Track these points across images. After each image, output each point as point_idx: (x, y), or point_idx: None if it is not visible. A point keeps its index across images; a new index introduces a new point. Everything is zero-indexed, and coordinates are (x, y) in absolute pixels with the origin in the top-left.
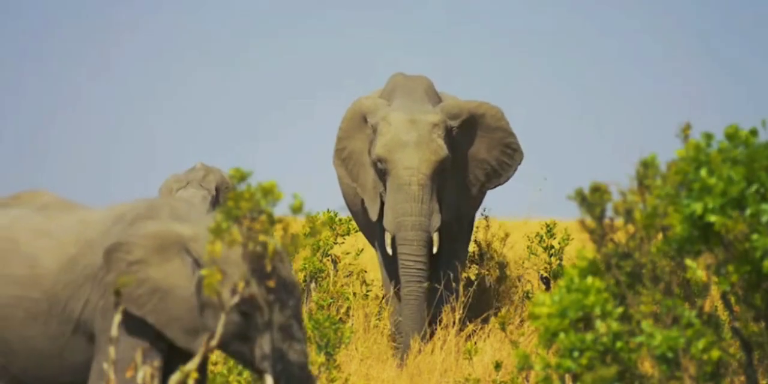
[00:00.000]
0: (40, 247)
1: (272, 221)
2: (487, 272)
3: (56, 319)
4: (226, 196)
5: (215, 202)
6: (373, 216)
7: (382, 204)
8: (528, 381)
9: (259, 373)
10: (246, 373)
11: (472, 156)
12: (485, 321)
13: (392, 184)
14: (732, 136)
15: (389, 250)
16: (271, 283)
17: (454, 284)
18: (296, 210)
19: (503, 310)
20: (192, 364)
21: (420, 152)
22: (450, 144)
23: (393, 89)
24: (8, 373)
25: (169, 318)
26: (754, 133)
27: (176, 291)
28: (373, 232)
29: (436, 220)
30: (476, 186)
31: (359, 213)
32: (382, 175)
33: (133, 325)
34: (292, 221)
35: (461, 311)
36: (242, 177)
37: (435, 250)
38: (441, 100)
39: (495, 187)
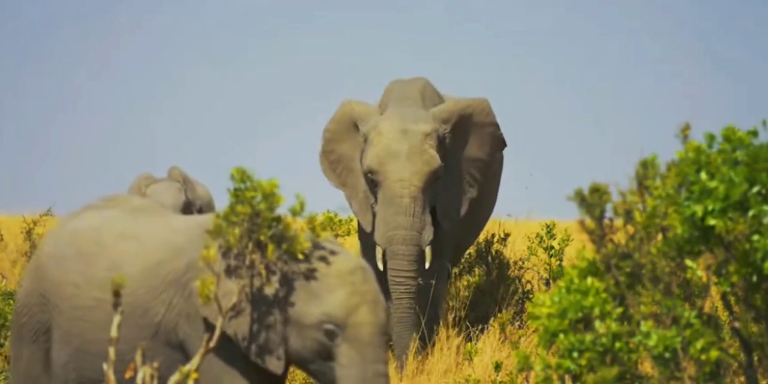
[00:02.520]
0: (124, 250)
1: (270, 225)
2: (487, 272)
3: (136, 322)
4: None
5: (188, 197)
6: (367, 227)
7: (374, 216)
8: (528, 381)
9: None
10: None
11: (467, 157)
12: (485, 321)
13: (383, 196)
14: (729, 137)
15: (380, 265)
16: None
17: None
18: (296, 212)
19: (503, 311)
20: (192, 365)
21: (412, 164)
22: (443, 151)
23: (388, 99)
24: (84, 375)
25: (249, 334)
26: (754, 133)
27: (257, 306)
28: (368, 238)
29: (428, 234)
30: (475, 186)
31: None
32: (373, 186)
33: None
34: (291, 222)
35: (462, 311)
36: (243, 178)
37: (427, 265)
38: (442, 100)
39: (485, 181)
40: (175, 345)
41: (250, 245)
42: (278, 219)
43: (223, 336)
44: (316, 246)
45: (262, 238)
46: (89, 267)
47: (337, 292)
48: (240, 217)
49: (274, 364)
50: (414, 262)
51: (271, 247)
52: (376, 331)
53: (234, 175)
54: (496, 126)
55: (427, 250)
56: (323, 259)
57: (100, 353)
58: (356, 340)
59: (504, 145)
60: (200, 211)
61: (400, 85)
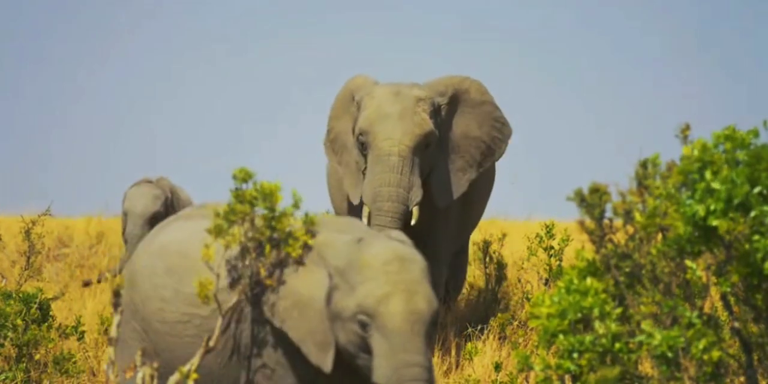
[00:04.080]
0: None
1: (270, 225)
2: (486, 273)
3: (222, 336)
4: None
5: (168, 206)
6: (355, 199)
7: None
8: (528, 382)
9: None
10: None
11: (465, 135)
12: (485, 321)
13: (372, 156)
14: (730, 137)
15: (365, 222)
16: (269, 282)
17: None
18: (294, 206)
19: (503, 311)
20: (192, 365)
21: (403, 124)
22: (439, 123)
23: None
24: None
25: (306, 332)
26: (755, 133)
27: (314, 303)
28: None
29: (417, 194)
30: (474, 167)
31: (342, 212)
32: (364, 149)
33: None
34: (288, 221)
35: (462, 312)
36: (245, 178)
37: (413, 222)
38: None
39: (489, 164)
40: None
41: (250, 245)
42: (277, 218)
43: (279, 330)
44: (359, 238)
45: (260, 238)
46: (178, 281)
47: (370, 282)
48: (239, 216)
49: (324, 361)
50: (398, 220)
51: (267, 248)
52: (408, 320)
53: (237, 175)
54: (494, 106)
55: (415, 210)
56: (364, 251)
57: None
58: (386, 330)
59: (507, 128)
60: None
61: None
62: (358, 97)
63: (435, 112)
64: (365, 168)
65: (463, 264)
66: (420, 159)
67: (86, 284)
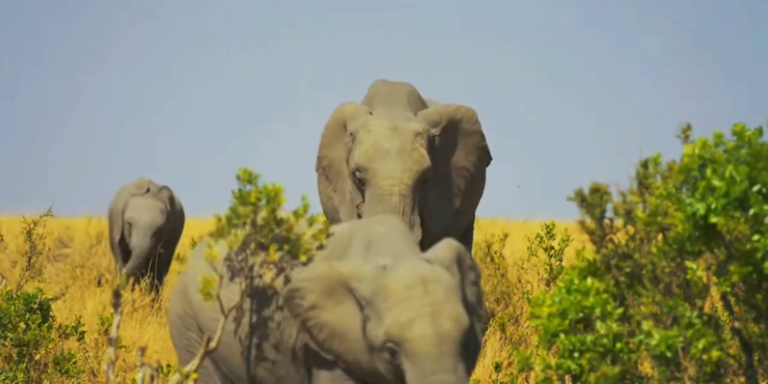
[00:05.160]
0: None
1: (272, 228)
2: (486, 273)
3: (274, 346)
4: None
5: (169, 218)
6: None
7: (359, 216)
8: (528, 382)
9: None
10: None
11: (453, 164)
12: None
13: (372, 194)
14: (740, 134)
15: None
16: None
17: None
18: (300, 214)
19: (503, 311)
20: (192, 365)
21: (402, 162)
22: (432, 154)
23: (374, 96)
24: None
25: (351, 361)
26: (759, 132)
27: (350, 334)
28: None
29: (418, 234)
30: (459, 196)
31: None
32: (361, 185)
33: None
34: (294, 224)
35: None
36: (249, 179)
37: None
38: (425, 106)
39: (473, 197)
40: (311, 369)
41: (253, 246)
42: (280, 221)
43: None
44: (384, 265)
45: (263, 240)
46: (231, 291)
47: (394, 309)
48: (242, 219)
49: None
50: None
51: (272, 248)
52: (434, 343)
53: (240, 175)
54: (482, 136)
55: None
56: (388, 277)
57: (247, 378)
58: (413, 354)
59: (489, 158)
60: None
61: (386, 85)
62: (352, 128)
63: (430, 144)
64: (360, 202)
65: None
66: (419, 195)
67: (99, 282)
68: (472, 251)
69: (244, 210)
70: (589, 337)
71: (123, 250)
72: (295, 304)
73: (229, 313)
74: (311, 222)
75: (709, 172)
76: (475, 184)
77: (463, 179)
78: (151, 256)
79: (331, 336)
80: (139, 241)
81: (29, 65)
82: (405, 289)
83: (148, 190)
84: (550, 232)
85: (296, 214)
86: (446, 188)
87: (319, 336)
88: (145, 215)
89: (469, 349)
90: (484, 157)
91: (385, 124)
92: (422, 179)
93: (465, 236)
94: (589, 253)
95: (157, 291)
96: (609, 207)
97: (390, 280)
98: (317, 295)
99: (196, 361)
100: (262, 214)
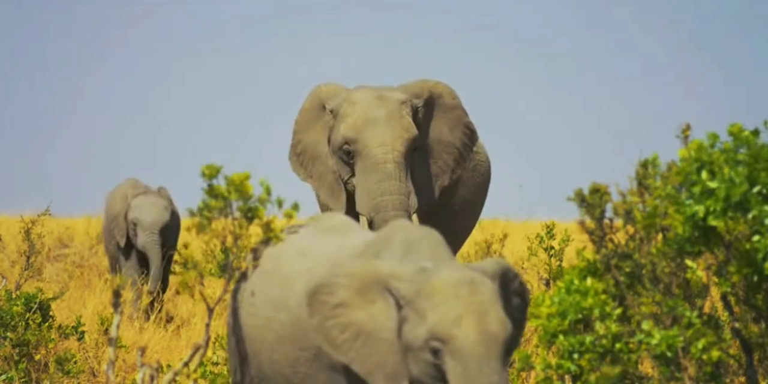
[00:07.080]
0: (296, 268)
1: (248, 218)
2: None
3: (298, 344)
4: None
5: (172, 216)
6: (340, 207)
7: (348, 194)
8: (528, 382)
9: None
10: None
11: (438, 139)
12: None
13: (365, 164)
14: (736, 135)
15: None
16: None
17: None
18: (264, 199)
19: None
20: (193, 365)
21: (392, 129)
22: (418, 126)
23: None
24: None
25: (374, 364)
26: (756, 133)
27: (380, 334)
28: None
29: (414, 201)
30: (447, 173)
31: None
32: (350, 158)
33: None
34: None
35: None
36: (212, 174)
37: None
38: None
39: (460, 172)
40: (338, 368)
41: (229, 238)
42: (251, 209)
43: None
44: (424, 267)
45: (238, 229)
46: (265, 284)
47: (441, 307)
48: (214, 212)
49: None
50: None
51: (250, 238)
52: (482, 342)
53: (204, 171)
54: (464, 111)
55: (414, 218)
56: (432, 277)
57: (276, 376)
58: (459, 354)
59: (476, 136)
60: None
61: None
62: (333, 104)
63: (414, 114)
64: (350, 177)
65: None
66: (409, 164)
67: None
68: (472, 251)
69: (216, 203)
70: (589, 338)
71: (137, 252)
72: (319, 300)
73: (215, 306)
74: (279, 203)
75: (704, 174)
76: (462, 163)
77: (451, 156)
78: (165, 253)
79: (355, 337)
80: (147, 240)
81: (29, 65)
82: (451, 287)
83: (146, 190)
84: (550, 232)
85: (260, 200)
86: (431, 163)
87: (340, 337)
88: (152, 213)
89: (507, 361)
90: (469, 136)
91: (370, 94)
92: (412, 147)
93: (457, 234)
94: (589, 253)
95: (163, 291)
96: (609, 207)
97: (435, 280)
98: (349, 292)
99: (196, 360)
100: (239, 205)
